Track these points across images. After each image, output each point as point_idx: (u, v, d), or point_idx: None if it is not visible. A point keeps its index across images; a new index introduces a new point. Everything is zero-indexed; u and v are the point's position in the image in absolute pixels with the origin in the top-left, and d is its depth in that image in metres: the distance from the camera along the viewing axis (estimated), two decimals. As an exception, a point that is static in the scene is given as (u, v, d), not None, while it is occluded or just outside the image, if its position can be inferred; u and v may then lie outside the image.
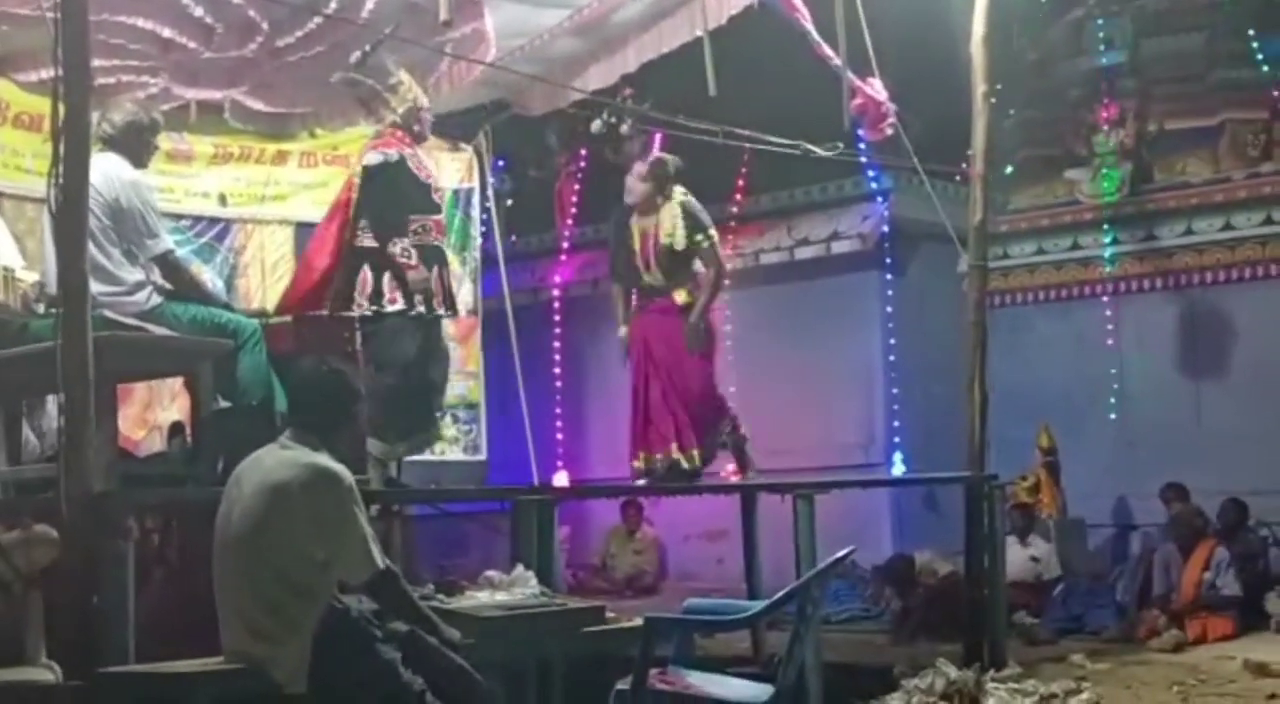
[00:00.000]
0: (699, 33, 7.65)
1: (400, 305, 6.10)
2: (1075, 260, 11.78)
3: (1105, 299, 11.60)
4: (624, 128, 9.06)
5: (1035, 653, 8.14)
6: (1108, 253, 11.55)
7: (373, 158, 6.28)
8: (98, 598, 4.29)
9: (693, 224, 7.30)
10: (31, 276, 5.80)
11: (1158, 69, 11.58)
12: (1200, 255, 11.19)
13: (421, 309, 6.16)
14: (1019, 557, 9.39)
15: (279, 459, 4.26)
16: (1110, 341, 11.53)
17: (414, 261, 6.14)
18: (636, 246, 7.39)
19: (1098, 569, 10.08)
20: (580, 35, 8.31)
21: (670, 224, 7.31)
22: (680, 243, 7.27)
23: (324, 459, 4.25)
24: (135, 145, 5.59)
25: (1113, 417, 11.36)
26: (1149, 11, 11.64)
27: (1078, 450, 11.01)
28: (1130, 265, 11.52)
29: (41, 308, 5.38)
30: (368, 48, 6.74)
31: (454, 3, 6.40)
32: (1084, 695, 6.78)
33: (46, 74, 6.11)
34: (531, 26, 8.17)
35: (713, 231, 7.40)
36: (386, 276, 6.11)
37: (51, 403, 5.60)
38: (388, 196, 6.22)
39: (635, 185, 7.49)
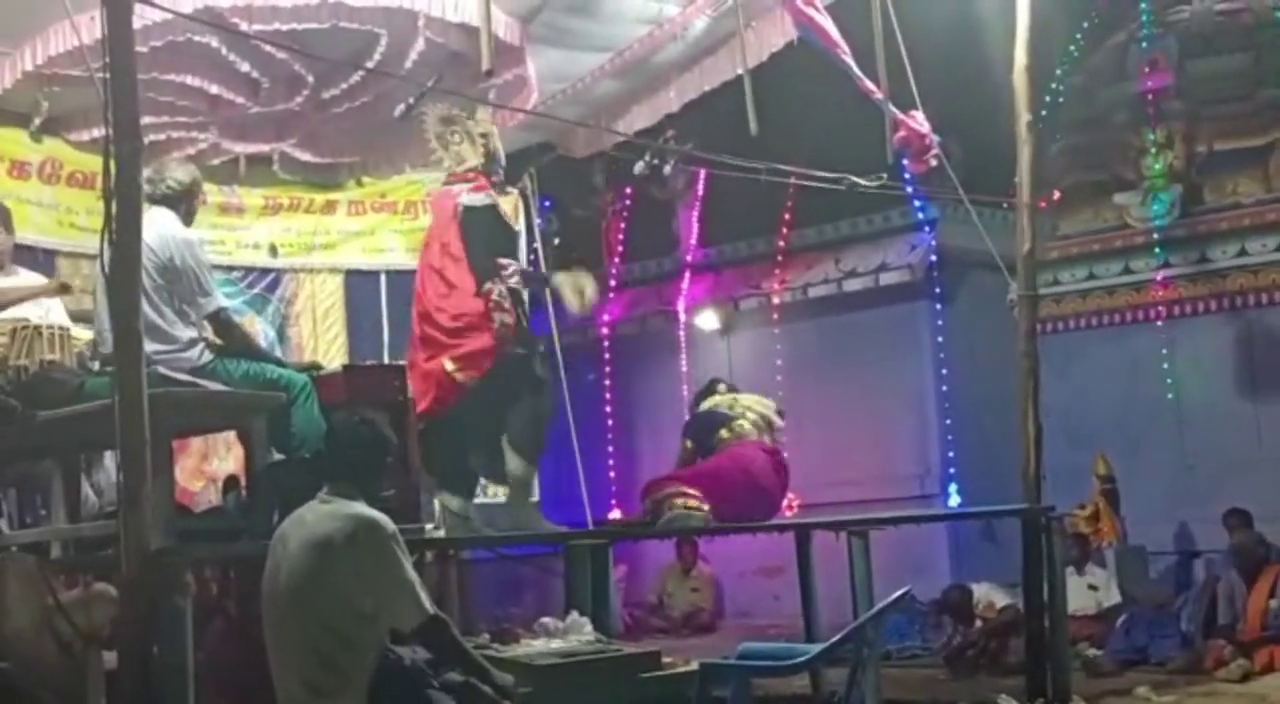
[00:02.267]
0: (739, 71, 7.67)
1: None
2: (1127, 285, 11.68)
3: (1159, 323, 11.48)
4: (667, 168, 9.10)
5: (1099, 685, 8.01)
6: (1160, 276, 11.44)
7: (474, 199, 6.53)
8: (157, 653, 4.31)
9: None
10: (86, 335, 5.87)
11: (1205, 90, 11.48)
12: (1255, 276, 11.07)
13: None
14: (1077, 587, 9.26)
15: (320, 514, 4.28)
16: (1166, 365, 11.40)
17: (508, 305, 6.40)
18: None
19: (1161, 598, 9.92)
20: (622, 77, 8.37)
21: None
22: None
23: (363, 509, 4.27)
24: (187, 204, 5.66)
25: (1171, 442, 11.22)
26: (1194, 33, 11.55)
27: (1137, 477, 10.87)
28: (1184, 288, 11.40)
29: (97, 366, 5.44)
30: (412, 99, 6.82)
31: (496, 51, 6.47)
32: (1150, 730, 6.68)
33: (99, 133, 6.22)
34: (573, 70, 8.24)
35: None
36: None
37: (109, 459, 5.67)
38: (482, 239, 6.49)
39: None
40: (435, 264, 6.51)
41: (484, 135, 6.68)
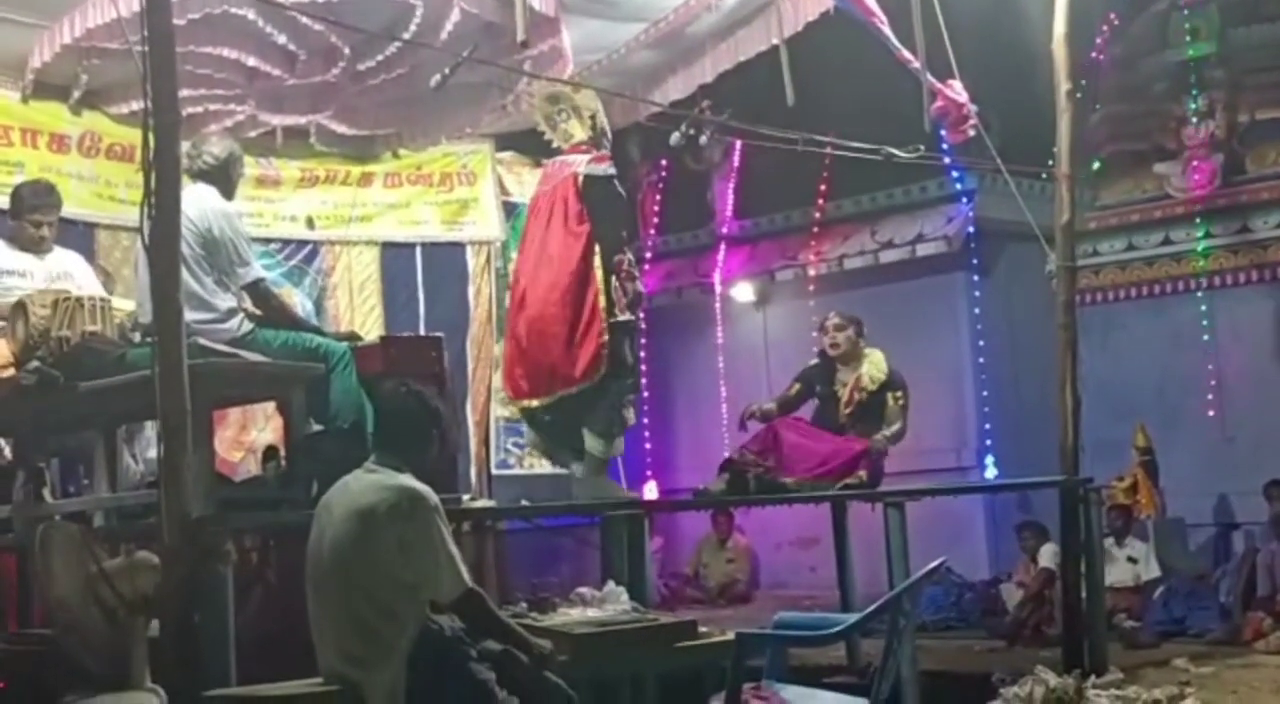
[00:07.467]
0: (775, 41, 7.64)
1: (627, 316, 6.48)
2: (1167, 255, 11.57)
3: (1199, 294, 11.37)
4: (702, 139, 9.06)
5: (1137, 657, 7.99)
6: (1201, 247, 11.34)
7: (595, 169, 6.59)
8: (199, 620, 4.37)
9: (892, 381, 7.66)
10: (127, 306, 5.92)
11: (1247, 59, 11.34)
12: (1296, 247, 10.97)
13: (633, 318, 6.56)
14: (1117, 559, 9.23)
15: (365, 484, 4.30)
16: (1205, 337, 11.30)
17: (637, 273, 6.56)
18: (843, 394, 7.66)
19: (1199, 570, 9.88)
20: (657, 48, 8.35)
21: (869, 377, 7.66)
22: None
23: (408, 481, 4.28)
24: (227, 177, 5.70)
25: (1210, 413, 11.13)
26: (1235, 1, 11.41)
27: (1176, 449, 10.80)
28: (1224, 259, 11.29)
29: (137, 337, 5.49)
30: (448, 70, 6.83)
31: (530, 22, 6.47)
32: (1188, 701, 6.64)
33: (137, 106, 6.25)
34: (609, 41, 8.22)
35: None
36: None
37: (150, 429, 5.72)
38: (609, 209, 6.58)
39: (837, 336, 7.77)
40: (546, 237, 6.56)
41: (591, 111, 6.79)
